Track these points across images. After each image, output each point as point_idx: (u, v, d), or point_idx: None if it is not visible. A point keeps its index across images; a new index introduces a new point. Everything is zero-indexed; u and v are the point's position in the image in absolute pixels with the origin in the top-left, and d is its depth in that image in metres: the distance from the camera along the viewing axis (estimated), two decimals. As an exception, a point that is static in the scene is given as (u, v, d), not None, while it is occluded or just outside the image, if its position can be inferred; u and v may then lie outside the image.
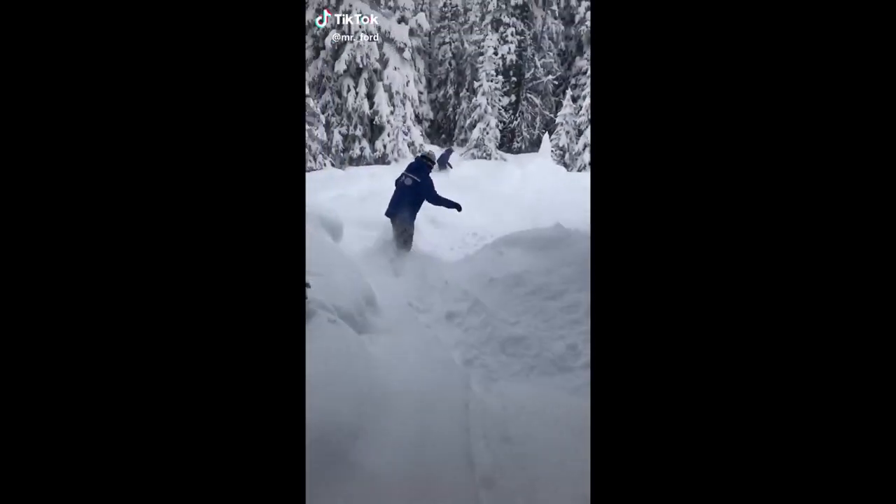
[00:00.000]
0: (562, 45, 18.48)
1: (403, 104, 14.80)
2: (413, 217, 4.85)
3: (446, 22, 20.86)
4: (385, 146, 14.64)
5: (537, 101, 17.98)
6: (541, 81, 17.93)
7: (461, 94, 21.00)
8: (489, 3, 16.68)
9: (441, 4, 21.09)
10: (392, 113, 14.44)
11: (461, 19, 21.05)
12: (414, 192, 4.82)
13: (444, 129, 22.18)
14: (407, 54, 14.75)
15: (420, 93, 19.90)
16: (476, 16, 20.77)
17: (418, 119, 19.34)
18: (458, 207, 4.82)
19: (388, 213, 4.90)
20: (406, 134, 14.95)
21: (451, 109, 21.72)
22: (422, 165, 4.98)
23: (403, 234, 4.87)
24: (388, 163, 14.56)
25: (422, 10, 21.85)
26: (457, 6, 20.62)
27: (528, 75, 17.11)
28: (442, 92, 21.94)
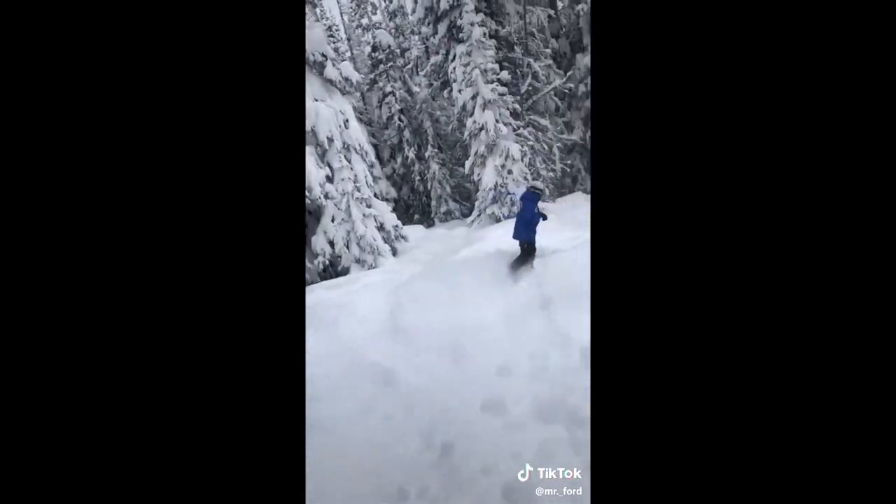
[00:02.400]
0: (553, 43, 12.86)
1: (349, 160, 8.07)
2: (532, 237, 5.67)
3: (382, 68, 15.20)
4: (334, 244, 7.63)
5: (546, 122, 11.82)
6: (541, 96, 11.93)
7: (427, 155, 14.91)
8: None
9: (370, 50, 15.53)
10: (331, 179, 7.63)
11: (400, 61, 15.51)
12: (520, 218, 5.69)
13: (414, 207, 15.72)
14: (333, 72, 8.28)
15: (371, 165, 13.66)
16: (419, 49, 15.29)
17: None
18: (545, 218, 5.81)
19: (513, 237, 5.76)
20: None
21: (416, 179, 15.44)
22: (529, 196, 5.79)
23: (525, 251, 5.68)
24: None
25: (344, 58, 16.31)
26: (389, 47, 15.11)
27: (523, 89, 10.95)
28: (400, 160, 15.79)
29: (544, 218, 5.81)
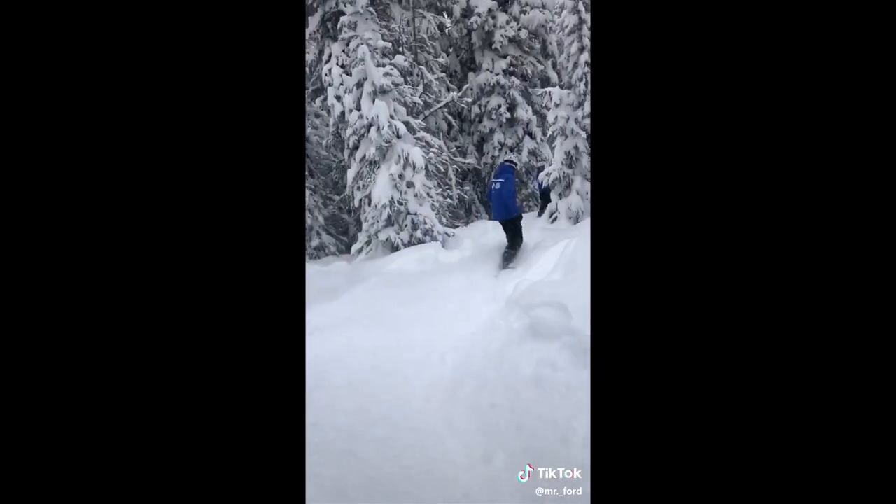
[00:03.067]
0: (443, 58, 11.35)
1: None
2: (514, 210, 5.43)
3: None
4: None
5: (440, 142, 10.03)
6: (435, 111, 10.22)
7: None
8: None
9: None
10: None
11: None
12: (501, 193, 5.40)
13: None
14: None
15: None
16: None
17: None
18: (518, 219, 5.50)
19: (494, 218, 5.67)
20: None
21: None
22: (505, 169, 5.63)
23: (512, 231, 5.42)
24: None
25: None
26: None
27: (409, 100, 9.03)
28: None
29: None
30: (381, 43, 6.56)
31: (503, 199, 5.32)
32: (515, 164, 5.78)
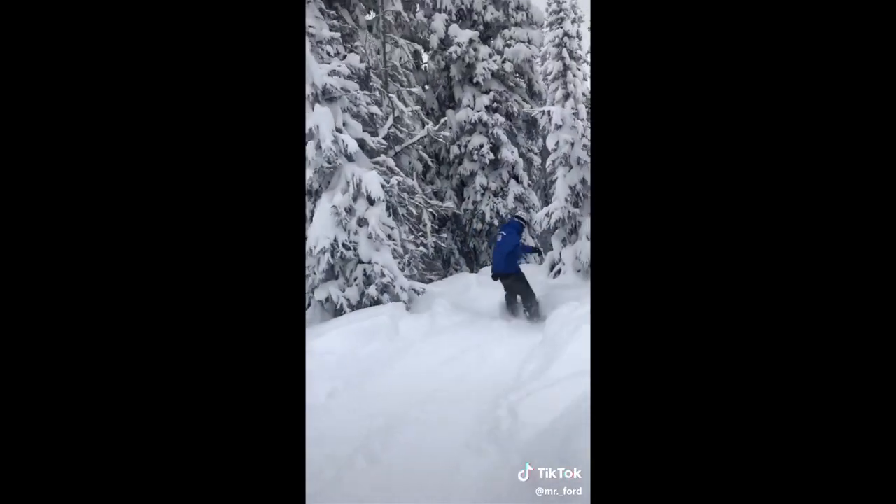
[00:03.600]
0: (417, 89, 9.91)
1: None
2: (514, 267, 5.10)
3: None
4: None
5: (413, 183, 8.32)
6: (408, 146, 8.63)
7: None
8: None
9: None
10: None
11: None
12: (500, 246, 5.18)
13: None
14: None
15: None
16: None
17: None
18: (539, 252, 6.07)
19: (493, 275, 5.22)
20: None
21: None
22: (512, 223, 5.42)
23: (513, 289, 5.11)
24: None
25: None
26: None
27: (383, 134, 7.41)
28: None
29: (535, 251, 5.68)
30: (326, 33, 4.92)
31: (501, 253, 5.07)
32: (525, 222, 5.55)
